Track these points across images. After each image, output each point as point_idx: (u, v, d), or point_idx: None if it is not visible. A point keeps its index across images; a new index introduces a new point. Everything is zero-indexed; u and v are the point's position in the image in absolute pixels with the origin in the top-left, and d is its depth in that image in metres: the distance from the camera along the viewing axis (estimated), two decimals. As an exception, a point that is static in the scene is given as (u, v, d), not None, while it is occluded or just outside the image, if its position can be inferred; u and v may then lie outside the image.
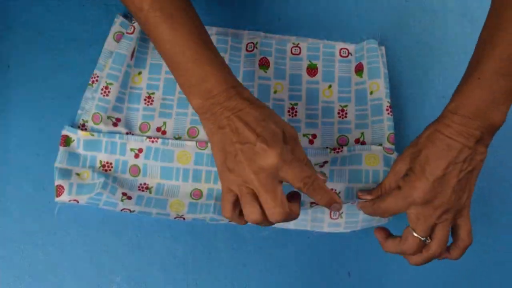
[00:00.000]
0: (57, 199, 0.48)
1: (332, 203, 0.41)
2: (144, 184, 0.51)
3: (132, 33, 0.54)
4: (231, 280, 0.50)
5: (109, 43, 0.55)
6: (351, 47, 0.58)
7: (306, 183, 0.40)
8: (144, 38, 0.57)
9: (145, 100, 0.55)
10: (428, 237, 0.42)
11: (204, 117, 0.42)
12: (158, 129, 0.54)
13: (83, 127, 0.52)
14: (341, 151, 0.52)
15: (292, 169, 0.39)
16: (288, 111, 0.55)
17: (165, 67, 0.56)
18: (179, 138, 0.53)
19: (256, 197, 0.40)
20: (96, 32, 0.56)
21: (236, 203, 0.41)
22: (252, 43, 0.57)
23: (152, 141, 0.52)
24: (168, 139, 0.52)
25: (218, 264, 0.51)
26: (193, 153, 0.52)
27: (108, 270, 0.50)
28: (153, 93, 0.55)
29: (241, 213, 0.41)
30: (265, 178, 0.39)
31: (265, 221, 0.40)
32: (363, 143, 0.53)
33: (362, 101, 0.55)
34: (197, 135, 0.53)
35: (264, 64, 0.56)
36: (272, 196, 0.39)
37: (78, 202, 0.49)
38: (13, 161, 0.51)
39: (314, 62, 0.57)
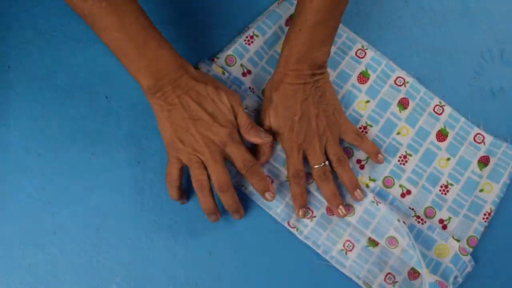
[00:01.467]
0: None
1: (266, 191, 0.48)
2: None
3: None
4: (231, 280, 0.50)
5: (273, 6, 0.57)
6: (488, 137, 0.55)
7: (246, 165, 0.48)
8: None
9: None
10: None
11: (154, 96, 0.46)
12: None
13: (212, 61, 0.54)
14: (423, 224, 0.51)
15: (237, 148, 0.47)
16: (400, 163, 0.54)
17: None
18: None
19: (203, 165, 0.47)
20: (96, 32, 0.56)
21: (181, 171, 0.48)
22: (403, 78, 0.56)
23: None
24: None
25: (218, 264, 0.51)
26: None
27: (108, 270, 0.50)
28: None
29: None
30: (214, 150, 0.46)
31: (206, 188, 0.47)
32: (444, 227, 0.52)
33: (468, 191, 0.54)
34: None
35: (403, 104, 0.55)
36: (220, 166, 0.46)
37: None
38: (13, 161, 0.51)
39: (447, 129, 0.55)
